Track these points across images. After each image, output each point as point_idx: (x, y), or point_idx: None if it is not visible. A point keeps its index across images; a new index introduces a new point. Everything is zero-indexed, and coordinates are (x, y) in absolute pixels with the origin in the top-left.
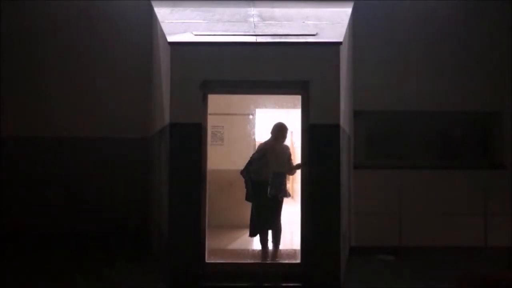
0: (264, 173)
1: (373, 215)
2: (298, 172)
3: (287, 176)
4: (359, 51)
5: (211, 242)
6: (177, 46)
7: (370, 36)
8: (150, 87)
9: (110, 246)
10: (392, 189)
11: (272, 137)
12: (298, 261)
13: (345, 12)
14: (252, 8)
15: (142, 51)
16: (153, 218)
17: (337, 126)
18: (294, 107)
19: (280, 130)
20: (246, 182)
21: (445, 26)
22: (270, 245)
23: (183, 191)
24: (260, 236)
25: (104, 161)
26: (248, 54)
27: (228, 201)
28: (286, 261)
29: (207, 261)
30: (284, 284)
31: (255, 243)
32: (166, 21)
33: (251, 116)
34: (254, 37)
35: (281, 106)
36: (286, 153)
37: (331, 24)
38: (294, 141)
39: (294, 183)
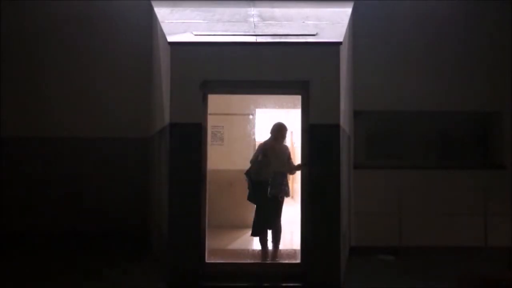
0: (264, 173)
1: (373, 215)
2: (298, 172)
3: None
4: (359, 51)
5: (211, 242)
6: (177, 46)
7: (370, 36)
8: (150, 87)
9: (110, 246)
10: (392, 189)
11: (271, 137)
12: (298, 261)
13: (345, 12)
14: (252, 8)
15: (142, 51)
16: (153, 218)
17: (337, 126)
18: (294, 107)
19: (279, 130)
20: (248, 182)
21: (445, 26)
22: (270, 245)
23: (183, 191)
24: (260, 236)
25: (104, 161)
26: (248, 54)
27: (228, 201)
28: (286, 261)
29: (207, 261)
30: (284, 284)
31: (255, 243)
32: (166, 21)
33: (251, 116)
34: (254, 37)
35: (281, 106)
36: (286, 153)
37: (331, 24)
38: (294, 141)
39: (294, 183)
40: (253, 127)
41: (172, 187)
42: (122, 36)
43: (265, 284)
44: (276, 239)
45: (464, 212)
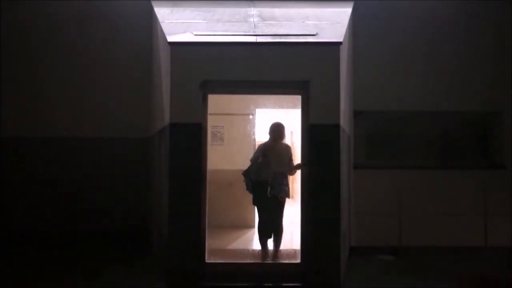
0: (264, 173)
1: (373, 215)
2: (298, 172)
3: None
4: (359, 51)
5: (211, 242)
6: (177, 46)
7: (370, 36)
8: (150, 87)
9: (110, 246)
10: (392, 189)
11: (270, 137)
12: (298, 261)
13: (345, 12)
14: (252, 8)
15: (142, 51)
16: (153, 218)
17: (337, 126)
18: (294, 107)
19: (276, 130)
20: (247, 182)
21: (445, 26)
22: (270, 245)
23: (183, 191)
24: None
25: (104, 161)
26: (248, 54)
27: (228, 201)
28: (286, 261)
29: (207, 261)
30: (284, 284)
31: (255, 243)
32: (166, 21)
33: (251, 116)
34: (254, 37)
35: (281, 106)
36: (286, 153)
37: (331, 24)
38: (294, 141)
39: (294, 183)
40: (253, 127)
41: (172, 187)
42: (122, 36)
43: (265, 284)
44: (277, 240)
45: (464, 212)
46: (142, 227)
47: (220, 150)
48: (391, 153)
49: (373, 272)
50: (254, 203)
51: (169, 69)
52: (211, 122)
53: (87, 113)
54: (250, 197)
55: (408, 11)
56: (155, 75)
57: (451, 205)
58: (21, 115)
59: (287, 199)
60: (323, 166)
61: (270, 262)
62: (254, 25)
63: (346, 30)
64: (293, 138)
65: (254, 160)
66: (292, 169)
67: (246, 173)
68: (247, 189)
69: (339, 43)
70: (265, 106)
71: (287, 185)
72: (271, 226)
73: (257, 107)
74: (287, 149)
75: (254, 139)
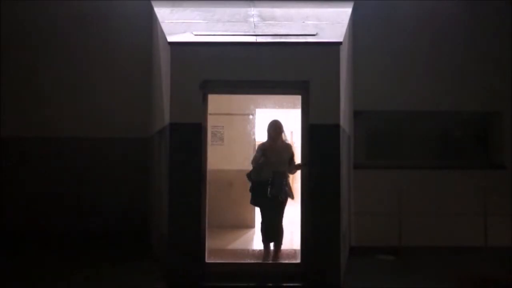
0: (264, 173)
1: (373, 215)
2: (298, 172)
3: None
4: (359, 51)
5: (211, 242)
6: (177, 46)
7: (370, 36)
8: (150, 87)
9: (110, 246)
10: (392, 189)
11: (268, 136)
12: (298, 261)
13: (345, 12)
14: (252, 8)
15: (142, 51)
16: (153, 218)
17: (337, 126)
18: (294, 107)
19: (273, 128)
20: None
21: (445, 26)
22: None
23: (183, 191)
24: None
25: (104, 161)
26: (248, 54)
27: (228, 201)
28: (286, 261)
29: (207, 261)
30: (284, 284)
31: (255, 243)
32: (166, 21)
33: (251, 116)
34: (254, 37)
35: (281, 106)
36: (287, 151)
37: (331, 24)
38: (294, 141)
39: (294, 183)
40: (253, 127)
41: (172, 187)
42: (122, 36)
43: (265, 284)
44: (278, 240)
45: (464, 212)
46: (142, 227)
47: (220, 150)
48: (391, 153)
49: (373, 272)
50: (252, 203)
51: (169, 69)
52: (211, 122)
53: (87, 113)
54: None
55: (408, 11)
56: (155, 75)
57: (451, 205)
58: (21, 115)
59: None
60: (323, 166)
61: (270, 262)
62: (254, 25)
63: (346, 30)
64: (293, 138)
65: (254, 161)
66: (293, 168)
67: (249, 175)
68: (250, 190)
69: (339, 43)
70: (265, 106)
71: (287, 185)
72: (272, 227)
73: (257, 107)
74: (288, 148)
75: (254, 139)
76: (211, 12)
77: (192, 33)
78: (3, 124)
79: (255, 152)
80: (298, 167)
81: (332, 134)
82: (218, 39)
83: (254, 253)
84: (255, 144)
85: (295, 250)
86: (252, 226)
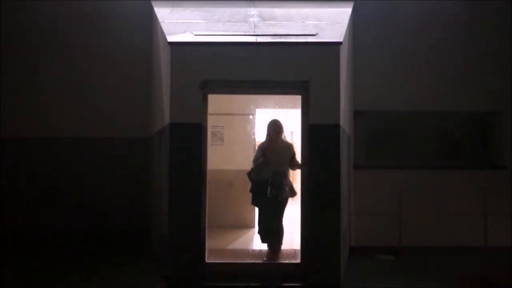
0: (264, 173)
1: (373, 215)
2: (298, 172)
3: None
4: (359, 51)
5: (211, 242)
6: (177, 46)
7: (370, 36)
8: (150, 87)
9: (110, 246)
10: (392, 189)
11: (267, 136)
12: (298, 261)
13: (345, 12)
14: (252, 8)
15: (142, 51)
16: (153, 218)
17: (337, 126)
18: (294, 107)
19: (272, 128)
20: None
21: (445, 26)
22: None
23: (183, 191)
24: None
25: (104, 161)
26: (248, 54)
27: (228, 201)
28: (286, 261)
29: (207, 261)
30: (284, 284)
31: (255, 243)
32: (166, 21)
33: (251, 116)
34: (254, 37)
35: (281, 106)
36: (287, 151)
37: (331, 24)
38: (294, 141)
39: (294, 183)
40: (253, 127)
41: (172, 187)
42: (122, 36)
43: (265, 284)
44: (278, 240)
45: (464, 212)
46: (142, 227)
47: (220, 150)
48: (391, 153)
49: (373, 272)
50: (253, 203)
51: (169, 69)
52: (211, 122)
53: (87, 113)
54: (250, 197)
55: (408, 11)
56: (155, 75)
57: (451, 205)
58: (21, 115)
59: (289, 199)
60: (323, 166)
61: (270, 262)
62: (254, 25)
63: (346, 30)
64: (293, 138)
65: (255, 161)
66: (295, 166)
67: (249, 174)
68: (250, 190)
69: (339, 43)
70: (265, 106)
71: (287, 185)
72: (271, 227)
73: (257, 107)
74: (288, 147)
75: (254, 139)
76: (211, 12)
77: (192, 33)
78: (3, 124)
79: (255, 152)
80: (299, 165)
81: (332, 134)
82: (218, 39)
83: (254, 253)
84: (255, 144)
85: (295, 250)
86: (252, 226)
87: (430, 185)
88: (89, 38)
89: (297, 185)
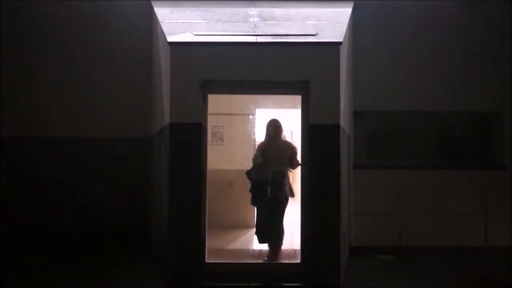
0: (263, 173)
1: (373, 215)
2: (299, 172)
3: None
4: (359, 51)
5: (211, 242)
6: (177, 46)
7: (370, 36)
8: (150, 87)
9: (110, 246)
10: (392, 189)
11: (266, 136)
12: (298, 261)
13: (345, 12)
14: (252, 8)
15: (142, 51)
16: (153, 218)
17: (337, 126)
18: (294, 107)
19: (271, 128)
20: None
21: (445, 26)
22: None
23: (183, 191)
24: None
25: (104, 161)
26: (248, 54)
27: (228, 201)
28: (286, 261)
29: (207, 261)
30: (284, 284)
31: (255, 243)
32: (166, 21)
33: (251, 116)
34: (254, 37)
35: (281, 106)
36: (288, 150)
37: (331, 24)
38: (294, 141)
39: (294, 183)
40: (253, 127)
41: (172, 187)
42: (122, 36)
43: (265, 284)
44: (278, 240)
45: (464, 212)
46: (142, 227)
47: (220, 150)
48: (391, 153)
49: (373, 272)
50: (252, 203)
51: (169, 69)
52: (211, 122)
53: (87, 113)
54: (250, 197)
55: (408, 11)
56: (155, 75)
57: (451, 205)
58: (21, 115)
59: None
60: (323, 166)
61: (270, 262)
62: (254, 25)
63: (346, 30)
64: (293, 138)
65: (254, 160)
66: (295, 165)
67: (249, 173)
68: (250, 190)
69: (339, 43)
70: (265, 106)
71: (287, 185)
72: (271, 227)
73: (257, 107)
74: (288, 147)
75: (254, 139)
76: (211, 12)
77: (192, 33)
78: (3, 124)
79: (255, 152)
80: (298, 163)
81: (332, 134)
82: (218, 39)
83: (254, 253)
84: (255, 144)
85: (295, 250)
86: (252, 226)
87: (430, 185)
88: (89, 38)
89: (297, 185)
